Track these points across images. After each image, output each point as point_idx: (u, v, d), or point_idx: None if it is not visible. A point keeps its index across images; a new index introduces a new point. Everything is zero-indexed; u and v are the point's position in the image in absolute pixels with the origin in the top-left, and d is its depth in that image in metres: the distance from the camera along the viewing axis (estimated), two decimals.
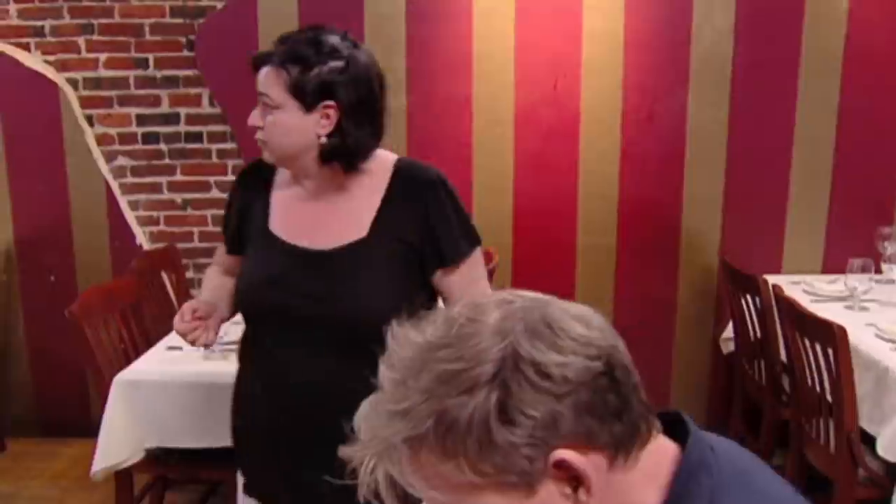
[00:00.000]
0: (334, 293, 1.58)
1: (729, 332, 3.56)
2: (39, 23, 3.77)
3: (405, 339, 0.77)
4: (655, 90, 3.65)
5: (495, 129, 3.69)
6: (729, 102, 3.64)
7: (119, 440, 2.48)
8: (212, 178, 3.87)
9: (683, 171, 3.70)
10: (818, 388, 2.63)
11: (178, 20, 3.75)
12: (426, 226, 1.61)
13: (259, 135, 1.61)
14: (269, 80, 1.57)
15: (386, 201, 1.63)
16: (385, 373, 0.77)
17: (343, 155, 1.61)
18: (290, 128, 1.58)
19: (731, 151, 3.67)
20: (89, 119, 3.84)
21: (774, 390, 3.10)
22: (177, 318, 1.69)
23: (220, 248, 1.87)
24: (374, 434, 0.75)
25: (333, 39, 1.60)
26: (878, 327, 2.79)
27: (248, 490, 1.77)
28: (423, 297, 1.63)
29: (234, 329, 2.65)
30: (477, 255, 1.67)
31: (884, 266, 3.28)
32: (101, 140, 3.86)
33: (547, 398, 0.72)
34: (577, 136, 3.69)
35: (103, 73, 3.80)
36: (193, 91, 3.80)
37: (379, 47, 3.63)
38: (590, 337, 0.76)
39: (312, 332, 1.59)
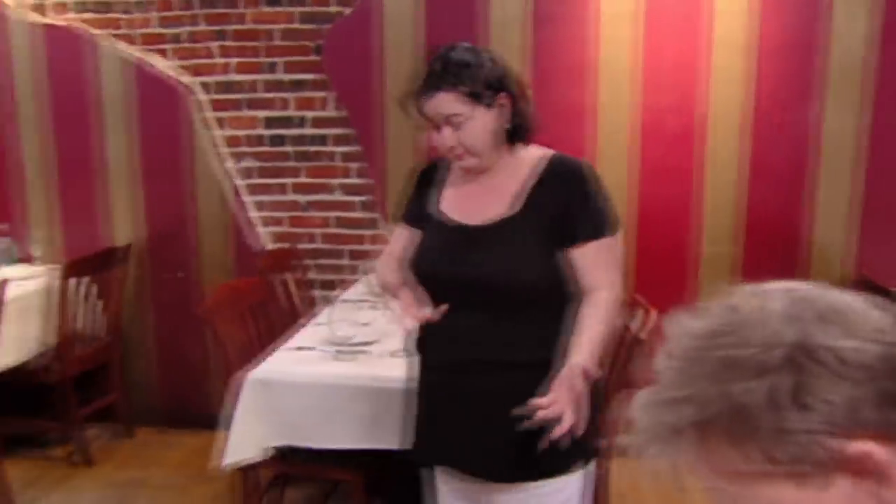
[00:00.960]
0: (491, 262, 1.76)
1: None
2: (177, 30, 3.88)
3: (684, 327, 0.74)
4: (787, 98, 3.48)
5: (619, 135, 3.58)
6: (872, 110, 3.43)
7: (249, 437, 2.48)
8: (335, 181, 3.90)
9: (816, 180, 3.51)
10: None
11: (307, 26, 3.80)
12: (568, 206, 1.77)
13: (456, 151, 1.79)
14: (450, 103, 1.75)
15: (538, 184, 1.80)
16: (664, 363, 0.73)
17: (526, 131, 1.83)
18: (484, 128, 1.77)
19: (871, 161, 3.46)
20: (219, 121, 3.92)
21: None
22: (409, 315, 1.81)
23: (394, 242, 2.00)
24: (657, 421, 0.71)
25: (468, 47, 1.84)
26: None
27: (419, 460, 1.95)
28: (564, 270, 1.77)
29: (363, 331, 2.68)
30: (609, 241, 1.78)
31: None
32: (230, 142, 3.94)
33: (845, 384, 0.66)
34: (704, 145, 3.54)
35: (234, 77, 3.88)
36: (319, 95, 3.83)
37: (503, 52, 3.60)
38: (884, 324, 0.69)
39: (474, 296, 1.76)
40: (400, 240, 1.97)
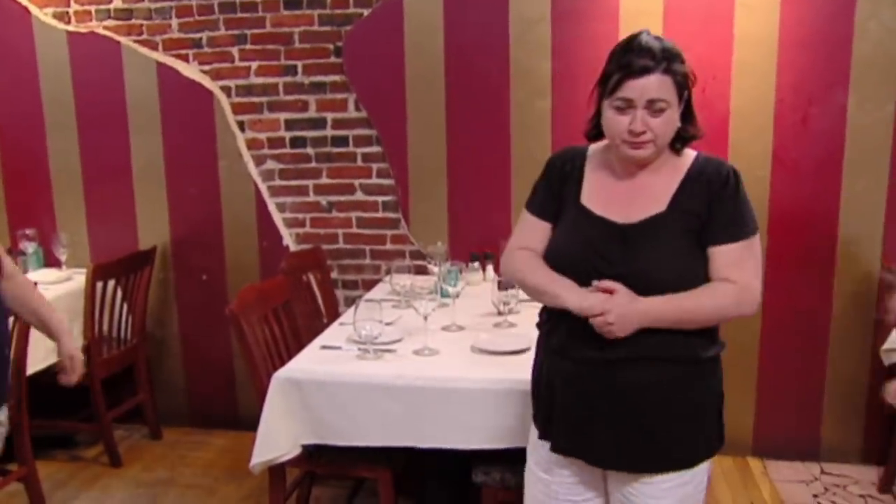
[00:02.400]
0: (642, 258, 1.78)
1: (891, 342, 3.30)
2: (197, 35, 3.91)
3: None
4: (812, 91, 3.45)
5: None
6: (895, 102, 3.39)
7: (277, 436, 2.49)
8: (356, 181, 3.92)
9: (841, 174, 3.47)
10: None
11: (326, 28, 3.81)
12: (710, 206, 1.78)
13: (645, 137, 1.77)
14: (662, 87, 1.74)
15: (684, 183, 1.82)
16: None
17: (691, 137, 1.85)
18: (674, 121, 1.79)
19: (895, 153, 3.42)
20: (241, 125, 3.95)
21: None
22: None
23: (528, 236, 1.98)
24: None
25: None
26: None
27: (555, 448, 1.94)
28: (706, 268, 1.80)
29: (388, 331, 2.69)
30: (748, 243, 1.79)
31: None
32: (252, 144, 3.96)
33: None
34: (727, 140, 3.52)
35: (254, 80, 3.91)
36: (340, 96, 3.84)
37: (524, 51, 3.63)
38: None
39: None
40: (537, 231, 1.97)
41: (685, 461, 1.85)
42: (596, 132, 1.89)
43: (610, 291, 1.74)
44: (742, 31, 3.45)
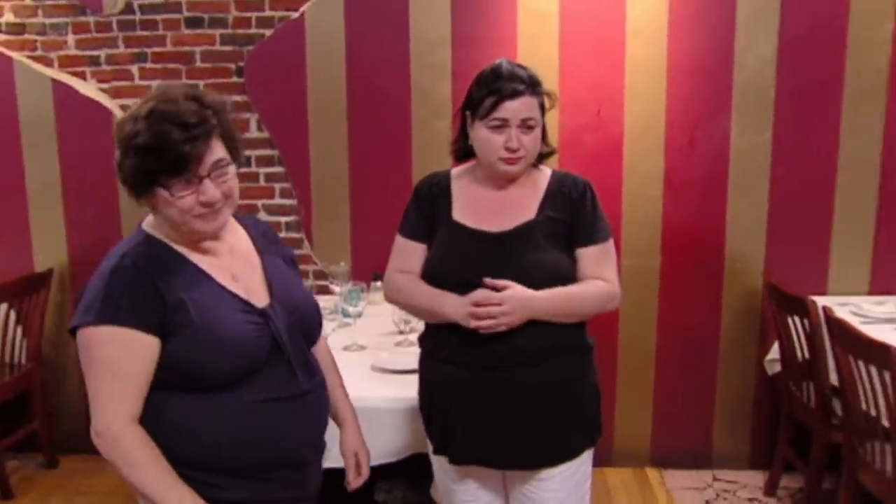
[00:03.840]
0: (522, 261, 1.91)
1: (773, 353, 3.50)
2: (95, 52, 3.84)
3: None
4: (698, 116, 3.62)
5: None
6: (772, 127, 3.59)
7: None
8: (259, 202, 3.90)
9: (726, 194, 3.65)
10: (873, 412, 2.57)
11: (228, 48, 3.81)
12: (573, 214, 1.97)
13: (519, 153, 1.93)
14: (531, 107, 1.93)
15: (547, 194, 2.00)
16: None
17: (547, 153, 2.05)
18: (540, 138, 1.98)
19: (774, 175, 3.62)
20: None
21: (824, 413, 3.04)
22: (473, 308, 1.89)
23: (405, 259, 2.08)
24: None
25: None
26: None
27: (454, 460, 2.02)
28: (575, 269, 1.97)
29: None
30: (607, 245, 2.00)
31: None
32: None
33: None
34: (621, 161, 3.66)
35: None
36: (242, 116, 3.82)
37: (425, 72, 3.69)
38: None
39: None
40: (412, 254, 2.07)
41: (575, 451, 1.99)
42: (462, 153, 2.05)
43: (501, 289, 1.86)
44: (633, 57, 3.61)
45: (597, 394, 2.05)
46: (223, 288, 1.60)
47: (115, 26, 3.82)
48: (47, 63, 3.87)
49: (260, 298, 1.66)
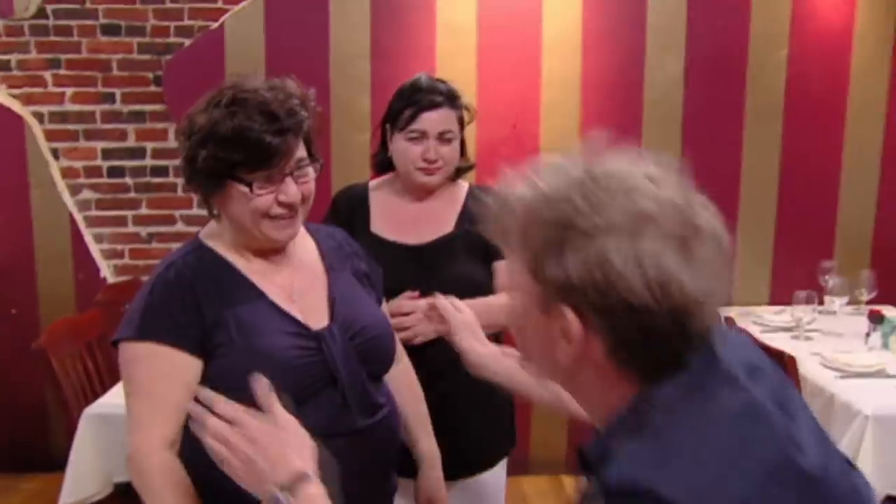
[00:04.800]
0: (432, 275, 1.93)
1: None
2: (5, 57, 3.74)
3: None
4: (611, 131, 3.72)
5: None
6: (680, 143, 3.76)
7: (87, 474, 2.44)
8: (177, 212, 3.86)
9: None
10: None
11: (146, 56, 3.76)
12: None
13: (437, 164, 1.98)
14: (449, 119, 1.99)
15: (465, 207, 2.04)
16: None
17: (466, 165, 2.11)
18: (458, 151, 2.03)
19: None
20: (54, 152, 3.80)
21: None
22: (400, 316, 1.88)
23: None
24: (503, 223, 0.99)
25: None
26: (823, 356, 2.88)
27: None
28: (492, 282, 1.98)
29: None
30: None
31: (826, 298, 3.39)
32: (67, 173, 3.82)
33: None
34: None
35: (69, 107, 3.78)
36: (160, 126, 3.79)
37: (344, 85, 3.72)
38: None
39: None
40: None
41: (490, 461, 2.04)
42: (382, 165, 2.08)
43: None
44: (549, 72, 3.72)
45: (511, 404, 2.07)
46: (274, 306, 1.45)
47: (26, 31, 3.73)
48: None
49: (319, 320, 1.50)
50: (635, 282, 0.85)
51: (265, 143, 1.35)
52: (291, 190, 1.41)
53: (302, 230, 1.56)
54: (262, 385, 1.14)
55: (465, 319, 1.53)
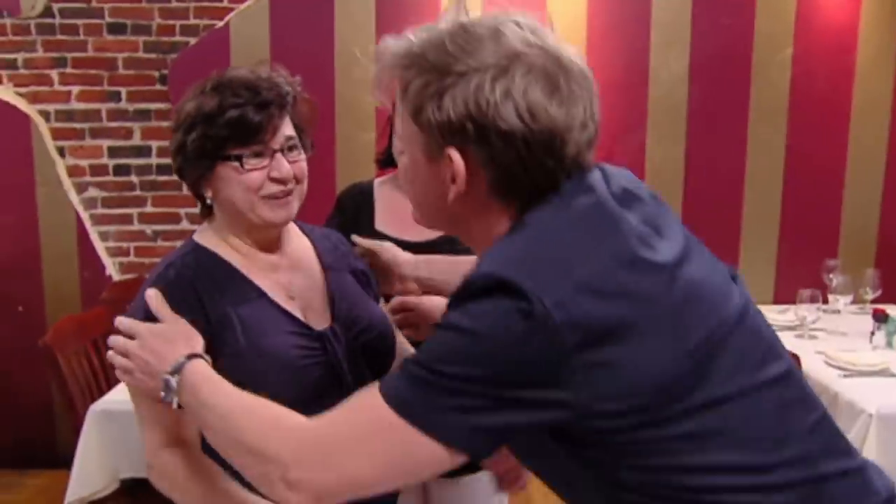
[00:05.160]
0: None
1: None
2: (12, 56, 3.75)
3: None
4: (615, 130, 3.74)
5: None
6: (685, 142, 3.76)
7: (94, 471, 2.45)
8: (182, 210, 3.87)
9: None
10: None
11: (152, 55, 3.77)
12: None
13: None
14: None
15: None
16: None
17: None
18: None
19: (687, 189, 3.79)
20: (60, 151, 3.82)
21: None
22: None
23: None
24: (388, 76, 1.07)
25: None
26: (828, 355, 2.88)
27: None
28: None
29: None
30: None
31: (830, 296, 3.40)
32: (73, 171, 3.84)
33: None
34: None
35: (75, 105, 3.79)
36: (165, 124, 3.77)
37: (348, 85, 3.73)
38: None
39: None
40: None
41: None
42: (387, 161, 2.06)
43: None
44: None
45: None
46: (276, 306, 1.43)
47: (33, 30, 3.74)
48: None
49: (320, 320, 1.48)
50: (507, 111, 0.96)
51: (248, 116, 1.34)
52: (283, 166, 1.40)
53: (296, 230, 1.56)
54: (151, 296, 1.27)
55: (389, 248, 1.68)
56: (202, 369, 1.17)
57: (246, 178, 1.37)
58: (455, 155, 0.99)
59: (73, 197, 3.84)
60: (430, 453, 0.94)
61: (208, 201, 1.44)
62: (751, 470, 0.96)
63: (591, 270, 0.93)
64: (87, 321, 2.99)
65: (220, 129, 1.34)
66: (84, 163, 3.84)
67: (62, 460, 3.81)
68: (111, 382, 2.83)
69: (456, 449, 0.94)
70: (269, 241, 1.47)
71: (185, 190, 3.64)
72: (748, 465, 0.96)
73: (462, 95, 0.96)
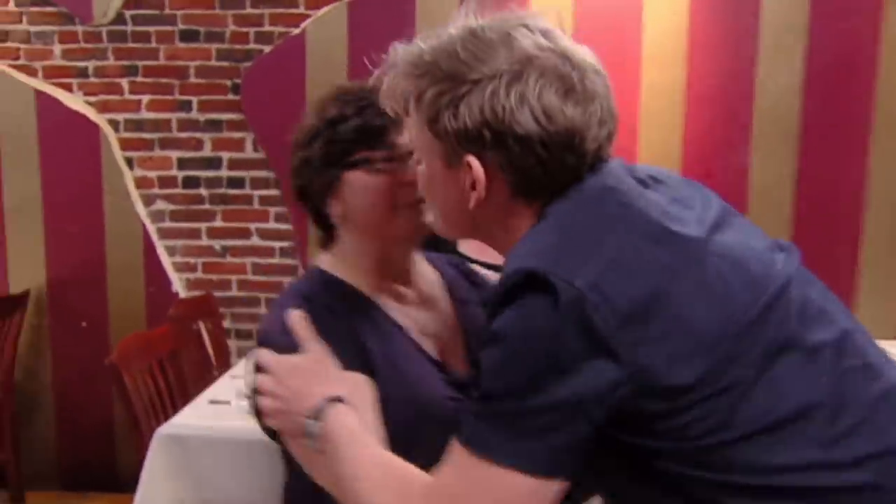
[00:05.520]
0: None
1: None
2: (83, 63, 3.81)
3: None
4: (715, 146, 3.62)
5: None
6: (796, 160, 3.60)
7: (159, 496, 2.41)
8: (253, 225, 3.87)
9: None
10: None
11: (224, 63, 3.78)
12: None
13: None
14: None
15: None
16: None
17: None
18: None
19: (797, 210, 3.62)
20: (129, 161, 3.86)
21: None
22: None
23: None
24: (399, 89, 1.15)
25: None
26: None
27: None
28: None
29: None
30: None
31: None
32: (140, 183, 3.87)
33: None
34: None
35: (145, 115, 3.83)
36: (237, 135, 3.81)
37: None
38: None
39: None
40: None
41: None
42: None
43: None
44: (649, 81, 3.61)
45: None
46: (418, 346, 1.37)
47: (104, 37, 3.80)
48: (31, 73, 3.83)
49: (457, 362, 1.42)
50: (524, 116, 1.01)
51: (373, 119, 1.33)
52: (412, 169, 1.32)
53: (423, 263, 1.50)
54: (293, 317, 1.21)
55: None
56: (343, 418, 1.13)
57: (376, 182, 1.33)
58: (474, 162, 1.04)
59: (141, 209, 3.87)
60: (525, 487, 0.95)
61: (334, 221, 1.39)
62: (810, 444, 0.97)
63: (620, 248, 0.97)
64: (152, 339, 3.00)
65: (347, 133, 1.34)
66: (152, 174, 3.87)
67: (124, 484, 3.87)
68: (176, 405, 2.84)
69: (545, 475, 0.96)
70: (401, 269, 1.42)
71: (257, 204, 3.66)
72: (807, 437, 0.97)
73: (478, 103, 1.02)
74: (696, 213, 1.06)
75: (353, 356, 1.27)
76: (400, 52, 1.11)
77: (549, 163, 1.03)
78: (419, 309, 1.42)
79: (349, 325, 1.32)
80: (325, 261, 1.43)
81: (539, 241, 1.01)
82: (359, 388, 1.19)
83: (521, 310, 0.95)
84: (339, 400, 1.14)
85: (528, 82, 1.01)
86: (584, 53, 1.07)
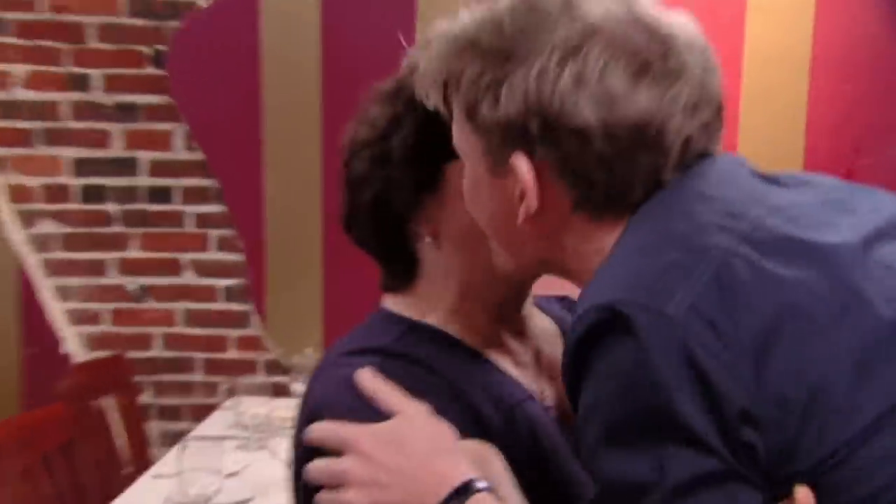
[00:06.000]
0: None
1: None
2: None
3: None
4: (860, 135, 3.29)
5: None
6: None
7: None
8: (184, 256, 3.48)
9: None
10: None
11: (140, 21, 3.35)
12: None
13: None
14: None
15: None
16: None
17: None
18: None
19: None
20: (0, 163, 3.45)
21: None
22: None
23: None
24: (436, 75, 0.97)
25: None
26: None
27: None
28: None
29: (231, 486, 2.35)
30: None
31: None
32: (16, 194, 3.44)
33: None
34: None
35: (22, 94, 3.38)
36: (160, 127, 3.40)
37: None
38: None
39: None
40: None
41: None
42: None
43: None
44: (754, 41, 3.28)
45: None
46: (547, 410, 1.26)
47: None
48: None
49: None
50: (580, 101, 0.88)
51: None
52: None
53: (532, 307, 1.41)
54: (365, 377, 1.02)
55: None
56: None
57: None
58: (519, 161, 0.90)
59: (15, 233, 3.44)
60: None
61: (418, 246, 1.18)
62: None
63: (720, 262, 0.84)
64: (34, 426, 2.69)
65: (428, 124, 1.14)
66: (34, 182, 3.45)
67: None
68: None
69: None
70: (514, 314, 1.26)
71: (190, 226, 3.11)
72: None
73: (522, 86, 0.88)
74: (854, 218, 0.88)
75: (469, 423, 1.09)
76: (438, 27, 0.96)
77: (615, 165, 0.87)
78: (533, 363, 1.31)
79: (453, 384, 1.17)
80: (398, 303, 1.24)
81: (617, 268, 0.88)
82: (490, 463, 1.00)
83: (614, 357, 0.83)
84: (472, 484, 0.95)
85: (587, 59, 0.86)
86: (675, 22, 0.89)
